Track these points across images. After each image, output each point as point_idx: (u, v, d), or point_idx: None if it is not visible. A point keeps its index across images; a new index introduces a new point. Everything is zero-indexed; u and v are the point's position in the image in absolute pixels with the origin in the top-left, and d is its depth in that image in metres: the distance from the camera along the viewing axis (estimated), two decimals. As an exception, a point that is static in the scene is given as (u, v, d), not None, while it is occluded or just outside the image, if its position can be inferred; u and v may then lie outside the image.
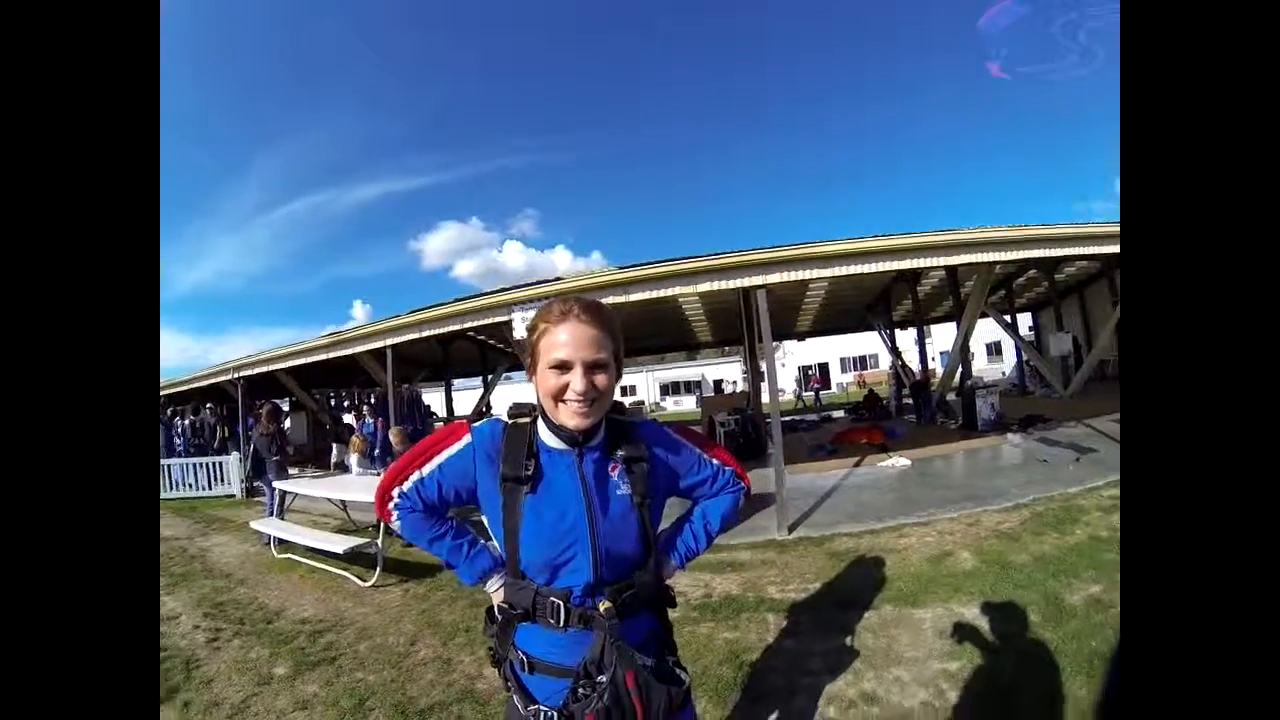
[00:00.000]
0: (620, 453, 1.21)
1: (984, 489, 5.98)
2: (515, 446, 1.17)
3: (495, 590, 1.27)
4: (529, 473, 1.15)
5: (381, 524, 5.21)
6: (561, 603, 1.15)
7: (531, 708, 1.18)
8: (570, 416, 1.13)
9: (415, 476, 1.24)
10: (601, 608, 1.14)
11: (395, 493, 1.26)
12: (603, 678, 1.12)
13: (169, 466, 11.83)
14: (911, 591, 3.56)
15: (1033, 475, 6.27)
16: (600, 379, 1.13)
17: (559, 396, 1.13)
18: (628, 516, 1.19)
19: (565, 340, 1.12)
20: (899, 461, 8.00)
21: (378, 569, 5.00)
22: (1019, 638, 2.83)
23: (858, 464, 8.29)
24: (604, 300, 6.99)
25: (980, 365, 22.04)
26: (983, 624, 3.03)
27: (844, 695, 2.55)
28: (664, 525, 1.34)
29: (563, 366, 1.12)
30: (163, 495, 11.07)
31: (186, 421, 15.04)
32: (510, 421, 1.22)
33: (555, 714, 1.15)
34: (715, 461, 1.36)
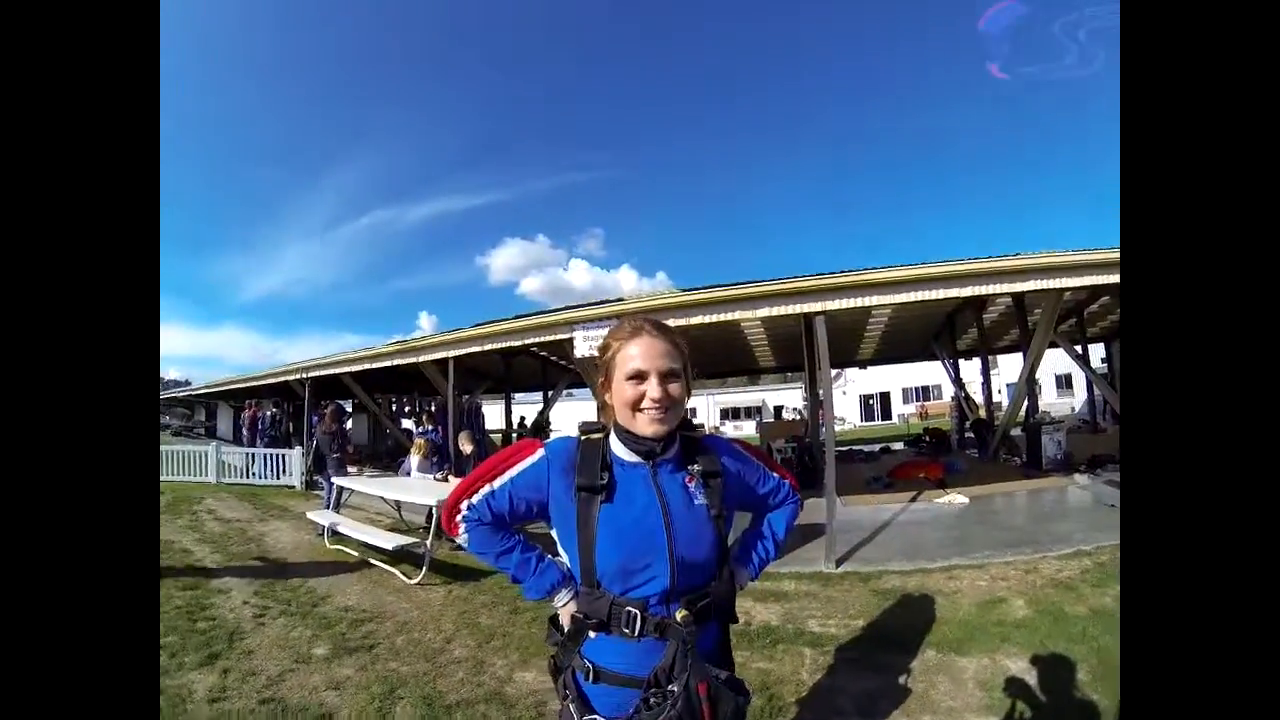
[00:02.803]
0: (696, 466, 1.25)
1: (1045, 533, 5.64)
2: (589, 459, 1.21)
3: (564, 604, 1.27)
4: (604, 482, 1.19)
5: (432, 526, 5.41)
6: (638, 611, 1.17)
7: (589, 717, 1.20)
8: (648, 424, 1.19)
9: (485, 490, 1.27)
10: (679, 615, 1.16)
11: (464, 505, 1.29)
12: (674, 686, 1.12)
13: (233, 453, 12.55)
14: (957, 638, 3.39)
15: (1099, 520, 5.86)
16: (674, 387, 1.20)
17: (636, 406, 1.19)
18: (704, 527, 1.21)
19: (639, 353, 1.20)
20: (957, 499, 7.65)
21: (424, 568, 5.17)
22: (1067, 697, 2.65)
23: (914, 499, 7.98)
24: (666, 321, 7.06)
25: (1049, 399, 20.81)
26: (1029, 679, 2.86)
27: (873, 738, 2.45)
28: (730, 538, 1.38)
29: (639, 376, 1.19)
30: (226, 479, 11.75)
31: (263, 414, 15.99)
32: (584, 437, 1.26)
33: (641, 714, 1.17)
34: (775, 475, 1.43)
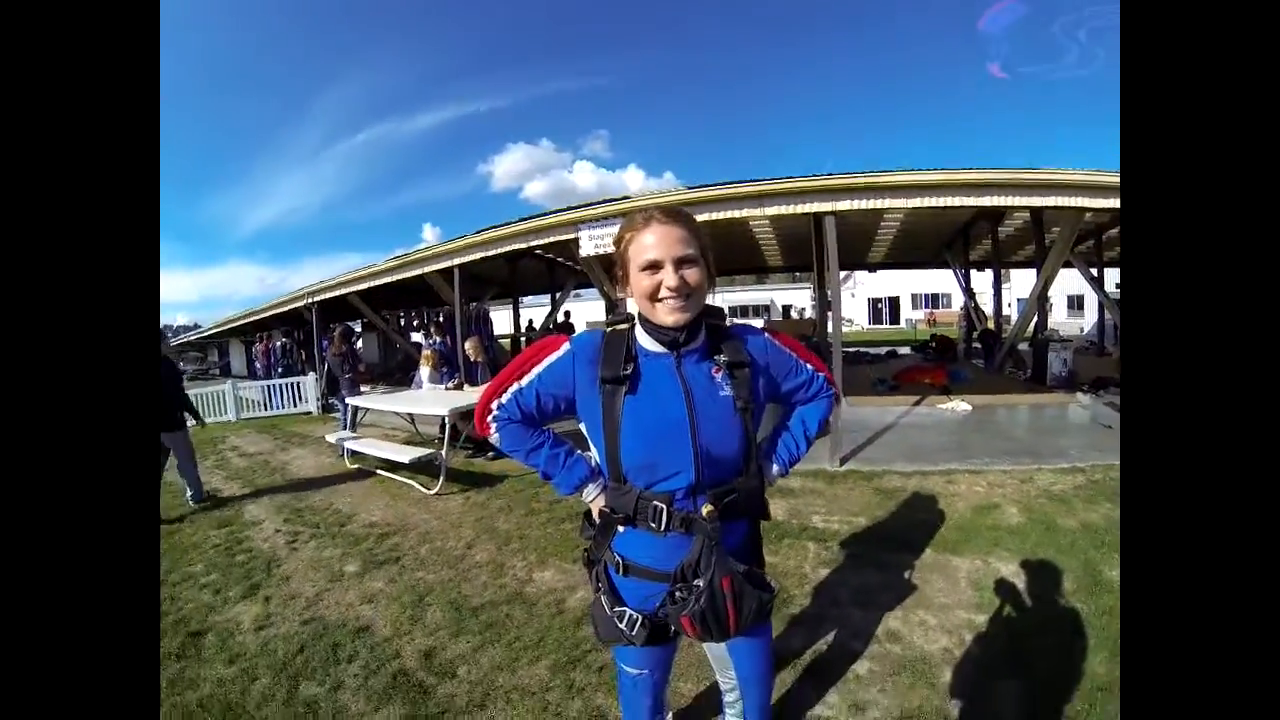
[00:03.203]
0: (722, 357, 1.21)
1: (1043, 446, 5.75)
2: (614, 351, 1.19)
3: (593, 499, 1.29)
4: (627, 373, 1.17)
5: (446, 435, 5.58)
6: (664, 506, 1.17)
7: (619, 609, 1.25)
8: (668, 313, 1.15)
9: (514, 388, 1.27)
10: (704, 510, 1.16)
11: (494, 405, 1.29)
12: (699, 581, 1.14)
13: (249, 388, 12.71)
14: (953, 539, 3.55)
15: (1096, 440, 5.94)
16: (690, 274, 1.15)
17: (654, 296, 1.15)
18: (730, 419, 1.19)
19: (652, 242, 1.15)
20: (960, 406, 7.78)
21: (441, 478, 5.36)
22: (1051, 603, 2.79)
23: (918, 403, 8.15)
24: None
25: (1059, 318, 20.66)
26: (1017, 582, 3.01)
27: (868, 630, 2.63)
28: (761, 432, 1.35)
29: (654, 266, 1.15)
30: (246, 415, 11.92)
31: (273, 344, 16.04)
32: (610, 330, 1.24)
33: (642, 617, 1.23)
34: (810, 367, 1.36)
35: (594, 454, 1.29)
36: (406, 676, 2.50)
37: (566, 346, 1.26)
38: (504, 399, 1.28)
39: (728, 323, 1.28)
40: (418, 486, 5.43)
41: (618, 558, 1.26)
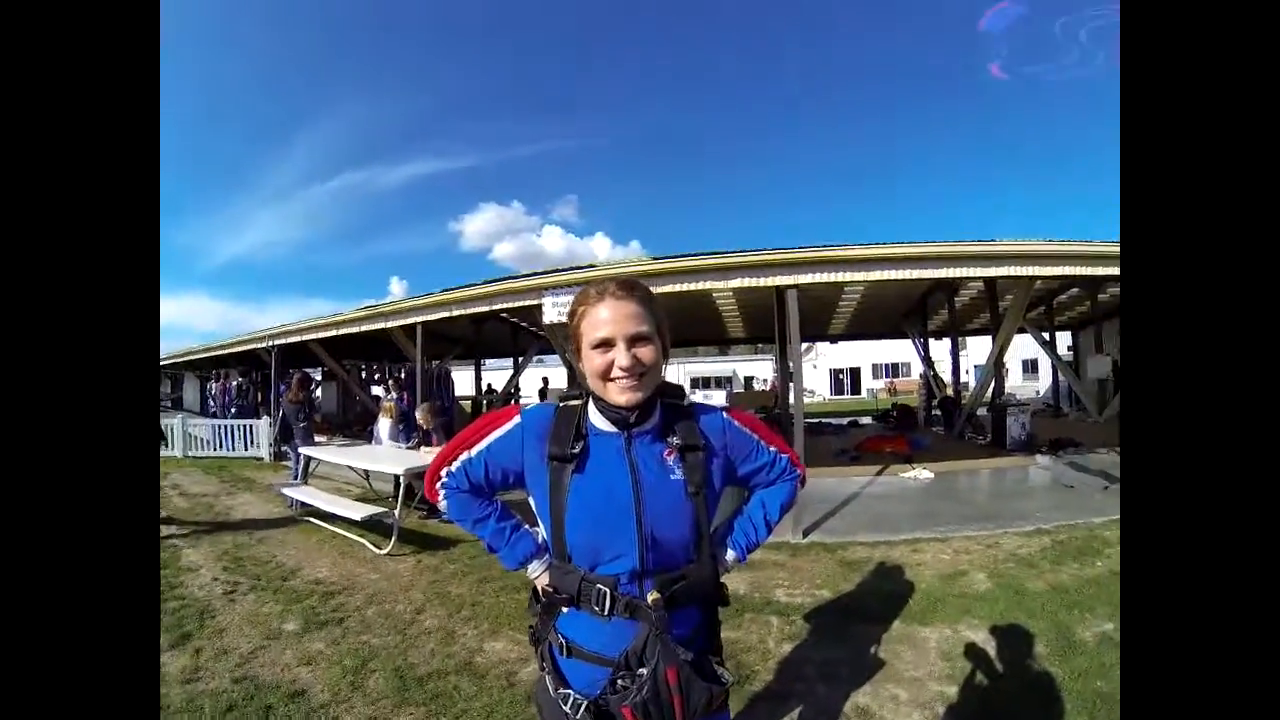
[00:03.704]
0: (674, 439, 1.17)
1: (1006, 510, 5.83)
2: (564, 427, 1.16)
3: (537, 576, 1.26)
4: (575, 451, 1.13)
5: (400, 495, 5.38)
6: (608, 590, 1.13)
7: (562, 691, 1.18)
8: (619, 393, 1.11)
9: (464, 457, 1.25)
10: (650, 598, 1.12)
11: (444, 472, 1.27)
12: (644, 670, 1.10)
13: (199, 426, 12.27)
14: (920, 609, 3.50)
15: (1058, 500, 6.07)
16: (643, 352, 1.11)
17: (606, 375, 1.11)
18: (680, 504, 1.15)
19: (605, 318, 1.11)
20: (922, 474, 7.85)
21: (393, 538, 5.13)
22: (1024, 668, 2.75)
23: (880, 473, 8.17)
24: None
25: (1014, 382, 21.55)
26: (989, 649, 2.96)
27: (838, 708, 2.52)
28: (718, 518, 1.31)
29: (605, 344, 1.11)
30: (193, 453, 11.50)
31: (230, 384, 15.60)
32: (561, 404, 1.21)
33: (586, 701, 1.15)
34: (773, 449, 1.31)
35: (541, 529, 1.25)
36: None
37: (516, 419, 1.23)
38: (453, 467, 1.26)
39: (686, 401, 1.24)
40: (368, 545, 5.19)
41: (561, 638, 1.20)
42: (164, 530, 5.92)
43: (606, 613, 1.13)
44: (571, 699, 1.16)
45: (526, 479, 1.21)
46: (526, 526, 1.31)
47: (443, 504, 1.30)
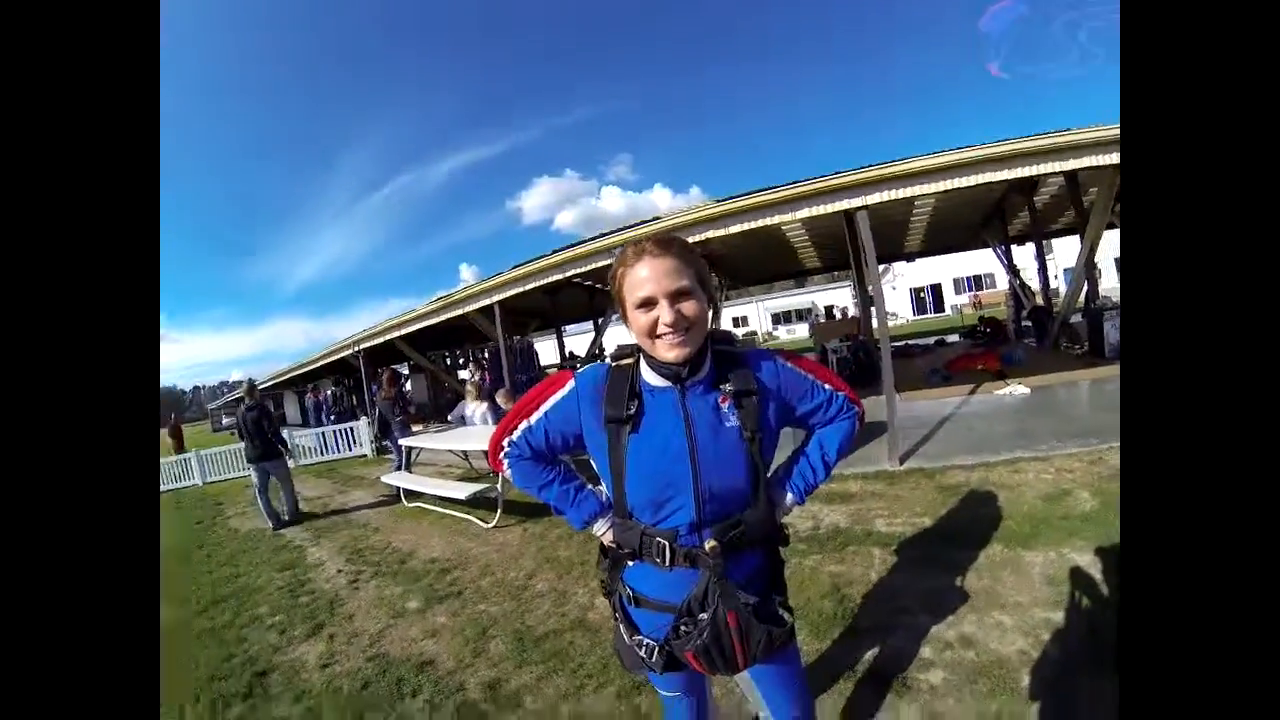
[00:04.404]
0: (728, 385, 1.17)
1: (1109, 423, 5.44)
2: (618, 387, 1.18)
3: (603, 533, 1.30)
4: (630, 412, 1.16)
5: (502, 470, 5.66)
6: (667, 542, 1.17)
7: (636, 638, 1.26)
8: (667, 349, 1.12)
9: (524, 425, 1.29)
10: (707, 546, 1.15)
11: (505, 442, 1.33)
12: (704, 615, 1.14)
13: (304, 435, 13.21)
14: (1023, 532, 3.40)
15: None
16: (687, 306, 1.11)
17: (652, 333, 1.13)
18: (735, 451, 1.16)
19: (645, 277, 1.12)
20: (1017, 389, 7.49)
21: (498, 511, 5.40)
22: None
23: (973, 392, 7.88)
24: (703, 235, 7.10)
25: (1110, 284, 19.76)
26: (1095, 573, 2.85)
27: (942, 636, 2.53)
28: (779, 458, 1.33)
29: (648, 303, 1.12)
30: (303, 461, 12.36)
31: (324, 394, 16.70)
32: (614, 364, 1.23)
33: (657, 647, 1.22)
34: (828, 387, 1.29)
35: (604, 487, 1.30)
36: (471, 708, 2.52)
37: (571, 384, 1.26)
38: (514, 436, 1.31)
39: (739, 347, 1.25)
40: (476, 521, 5.50)
41: (629, 590, 1.27)
42: (286, 533, 6.52)
43: (668, 564, 1.18)
44: (645, 644, 1.24)
45: (586, 441, 1.25)
46: (590, 486, 1.36)
47: (507, 472, 1.35)
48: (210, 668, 3.36)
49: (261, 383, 24.80)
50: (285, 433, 12.74)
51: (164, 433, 17.98)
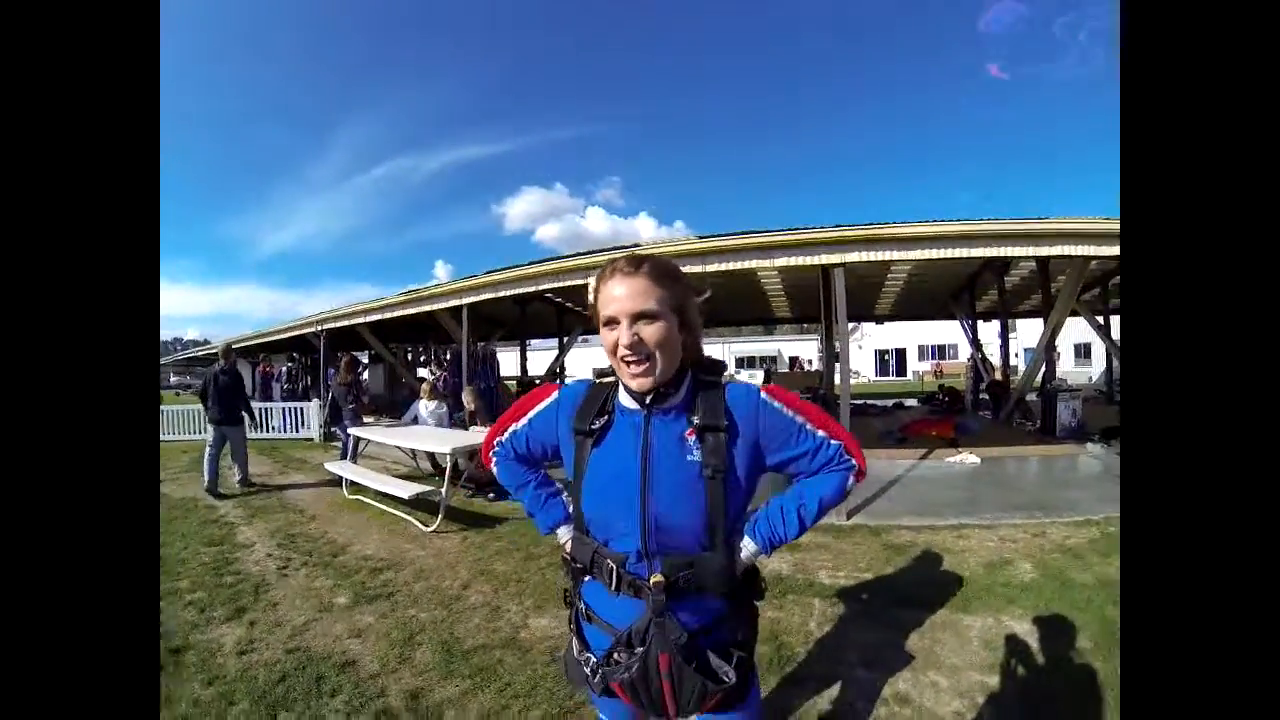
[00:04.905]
0: (696, 418, 1.11)
1: (1055, 499, 5.63)
2: (592, 403, 1.19)
3: (564, 541, 1.30)
4: (594, 427, 1.15)
5: (446, 473, 5.52)
6: (615, 566, 1.13)
7: (585, 655, 1.22)
8: (629, 376, 1.10)
9: (512, 429, 1.35)
10: (652, 580, 1.10)
11: (496, 442, 1.39)
12: (639, 650, 1.11)
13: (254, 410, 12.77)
14: (964, 596, 3.43)
15: (1108, 491, 5.81)
16: (647, 330, 1.07)
17: (615, 353, 1.10)
18: (691, 487, 1.09)
19: (613, 295, 1.09)
20: (969, 458, 7.66)
21: (440, 516, 5.26)
22: (1067, 663, 2.68)
23: (925, 456, 8.00)
24: (684, 269, 7.02)
25: (1066, 367, 20.66)
26: (1032, 642, 2.89)
27: (875, 692, 2.51)
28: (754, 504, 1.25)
29: (611, 323, 1.09)
30: (248, 436, 11.97)
31: (279, 369, 16.21)
32: (596, 380, 1.25)
33: (602, 667, 1.18)
34: (820, 433, 1.17)
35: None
36: (391, 717, 2.42)
37: (555, 395, 1.29)
38: (504, 437, 1.37)
39: (723, 378, 1.18)
40: (415, 523, 5.35)
41: (584, 604, 1.24)
42: (220, 506, 6.26)
43: (613, 588, 1.14)
44: (591, 662, 1.20)
45: (561, 452, 1.26)
46: (563, 495, 1.35)
47: (494, 469, 1.41)
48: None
49: (216, 346, 23.86)
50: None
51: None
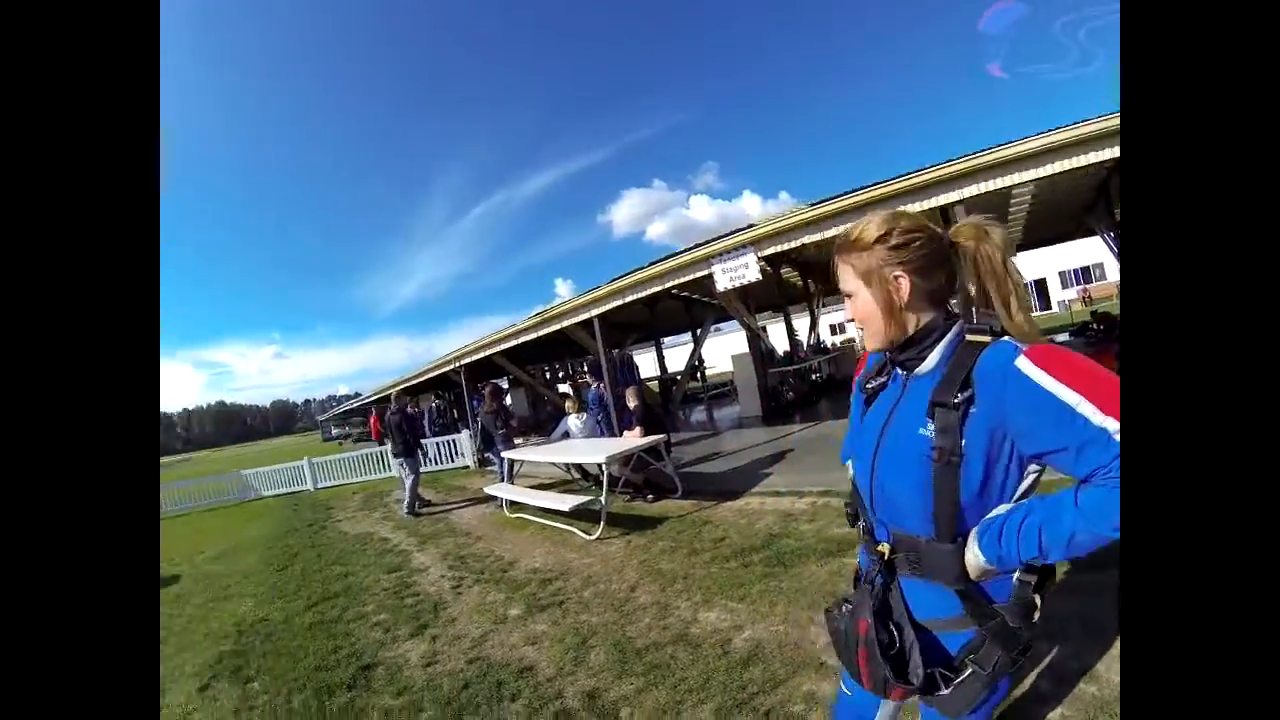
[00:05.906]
0: (936, 389, 0.98)
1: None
2: (882, 364, 1.18)
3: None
4: (870, 386, 1.17)
5: (605, 481, 5.61)
6: (862, 516, 1.16)
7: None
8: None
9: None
10: (878, 548, 1.08)
11: None
12: (848, 605, 1.11)
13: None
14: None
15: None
16: (851, 307, 1.10)
17: None
18: (913, 464, 0.98)
19: None
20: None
21: (601, 523, 5.37)
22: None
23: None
24: (799, 240, 6.97)
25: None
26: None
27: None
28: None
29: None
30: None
31: (427, 406, 17.63)
32: None
33: (833, 608, 1.18)
34: (1098, 421, 0.79)
35: None
36: (569, 716, 2.50)
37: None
38: None
39: (989, 336, 0.97)
40: (578, 533, 5.46)
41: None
42: (393, 536, 6.90)
43: (861, 536, 1.18)
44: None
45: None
46: None
47: None
48: (318, 658, 3.56)
49: (367, 396, 26.54)
50: (389, 445, 13.47)
51: (372, 422, 19.17)
